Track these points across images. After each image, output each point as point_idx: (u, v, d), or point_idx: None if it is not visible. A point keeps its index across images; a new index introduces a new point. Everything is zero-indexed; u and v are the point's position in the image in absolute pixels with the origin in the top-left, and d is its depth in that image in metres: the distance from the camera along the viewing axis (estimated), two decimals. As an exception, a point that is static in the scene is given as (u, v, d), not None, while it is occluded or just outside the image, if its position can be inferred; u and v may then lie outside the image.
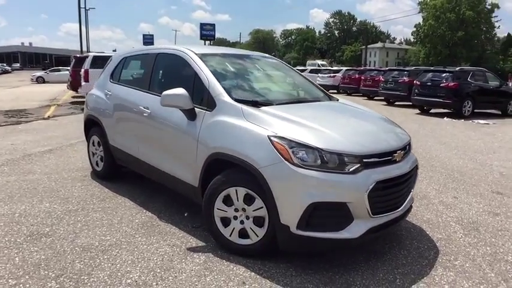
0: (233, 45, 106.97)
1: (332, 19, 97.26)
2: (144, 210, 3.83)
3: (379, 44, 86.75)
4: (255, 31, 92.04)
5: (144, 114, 3.73)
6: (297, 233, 2.62)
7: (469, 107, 11.99)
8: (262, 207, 2.79)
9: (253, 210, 2.84)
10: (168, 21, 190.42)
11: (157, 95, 3.64)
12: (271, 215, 2.74)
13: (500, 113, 12.90)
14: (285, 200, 2.62)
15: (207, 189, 3.01)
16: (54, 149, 6.40)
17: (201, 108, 3.19)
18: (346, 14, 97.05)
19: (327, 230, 2.65)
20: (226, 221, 2.98)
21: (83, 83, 11.35)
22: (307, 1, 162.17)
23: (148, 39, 52.92)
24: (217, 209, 2.98)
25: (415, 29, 57.49)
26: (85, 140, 5.08)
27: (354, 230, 2.66)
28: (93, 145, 4.80)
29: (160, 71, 3.95)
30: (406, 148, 3.13)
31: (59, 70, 30.85)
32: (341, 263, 2.92)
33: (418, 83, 12.92)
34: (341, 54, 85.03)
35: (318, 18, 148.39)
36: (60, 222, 3.50)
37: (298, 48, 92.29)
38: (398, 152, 2.95)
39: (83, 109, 11.87)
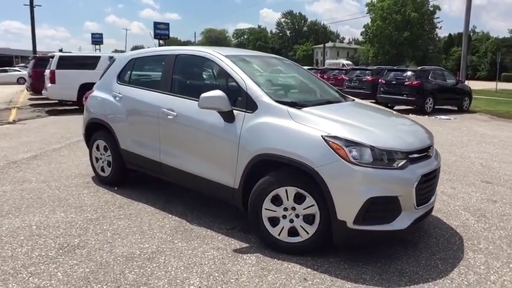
0: (185, 44, 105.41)
1: (284, 19, 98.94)
2: (170, 215, 3.73)
3: (330, 44, 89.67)
4: (207, 30, 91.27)
5: (169, 116, 3.63)
6: (353, 228, 2.73)
7: (431, 104, 12.83)
8: (313, 205, 2.86)
9: (304, 209, 2.90)
10: (115, 19, 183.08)
11: (185, 98, 3.60)
12: (323, 212, 2.82)
13: (456, 108, 13.93)
14: (342, 196, 2.71)
15: (254, 190, 3.02)
16: (39, 155, 5.99)
17: (240, 110, 3.18)
18: (298, 14, 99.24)
19: (379, 223, 2.78)
20: (274, 221, 3.01)
21: (48, 85, 10.64)
22: (257, 1, 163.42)
23: (97, 38, 50.67)
24: (266, 209, 3.00)
25: (364, 30, 60.26)
26: (68, 144, 4.82)
27: (403, 222, 2.82)
28: (98, 150, 4.57)
29: (183, 73, 3.86)
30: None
31: (5, 71, 28.54)
32: (383, 254, 3.07)
33: (383, 81, 13.60)
34: (293, 53, 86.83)
35: (268, 18, 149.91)
36: (87, 232, 3.32)
37: (251, 47, 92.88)
38: (431, 147, 3.16)
39: (48, 111, 11.42)
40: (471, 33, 54.93)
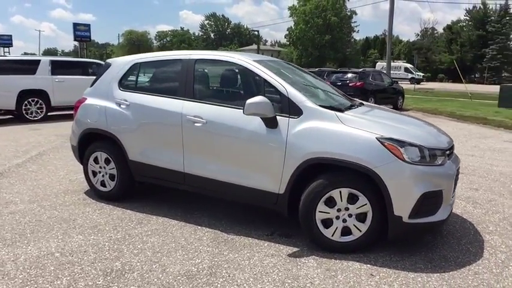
0: (104, 46, 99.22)
1: (207, 21, 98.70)
2: (199, 227, 3.58)
3: (254, 46, 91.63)
4: (128, 32, 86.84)
5: (196, 124, 3.48)
6: (407, 222, 2.92)
7: (372, 103, 13.88)
8: (365, 204, 2.99)
9: (357, 208, 3.01)
10: (23, 20, 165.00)
11: (216, 104, 3.48)
12: (375, 210, 2.97)
13: (392, 107, 15.24)
14: (399, 193, 2.88)
15: (307, 194, 3.05)
16: (3, 172, 5.25)
17: (283, 116, 3.19)
18: (221, 16, 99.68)
19: (426, 215, 3.01)
20: (327, 223, 3.08)
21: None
22: (176, 2, 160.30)
23: (5, 40, 45.46)
24: (320, 211, 3.05)
25: (287, 32, 62.65)
26: (30, 158, 4.35)
27: (444, 213, 3.09)
28: (96, 163, 4.18)
29: (208, 79, 3.72)
30: None
31: None
32: (421, 245, 3.31)
33: (328, 83, 14.32)
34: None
35: (188, 20, 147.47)
36: (123, 254, 3.04)
37: (175, 50, 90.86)
38: (453, 145, 3.50)
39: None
40: (384, 37, 60.55)
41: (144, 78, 4.09)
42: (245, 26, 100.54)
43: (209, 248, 3.17)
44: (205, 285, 2.63)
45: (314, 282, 2.68)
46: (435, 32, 63.38)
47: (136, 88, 4.01)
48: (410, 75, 36.26)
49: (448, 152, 3.21)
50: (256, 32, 73.71)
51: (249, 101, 3.09)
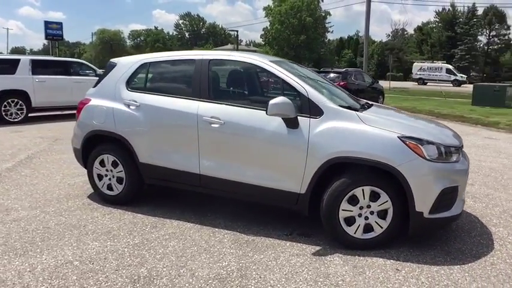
0: (76, 45, 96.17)
1: (182, 21, 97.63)
2: (217, 229, 3.53)
3: (230, 46, 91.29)
4: (100, 31, 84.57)
5: (213, 125, 3.44)
6: (428, 217, 3.01)
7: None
8: (386, 201, 3.06)
9: (379, 205, 3.08)
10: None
11: (234, 105, 3.46)
12: (395, 206, 3.04)
13: (373, 105, 15.61)
14: (421, 190, 2.96)
15: (331, 193, 3.08)
16: (-5, 179, 5.01)
17: (304, 116, 3.20)
18: (196, 16, 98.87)
19: (444, 210, 3.11)
20: (349, 220, 3.12)
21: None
22: (149, 2, 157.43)
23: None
24: (343, 210, 3.09)
25: (263, 33, 62.85)
26: (20, 162, 4.22)
27: (458, 207, 3.21)
28: (102, 166, 4.05)
29: (223, 80, 3.67)
30: None
31: None
32: (435, 239, 3.41)
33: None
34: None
35: (162, 19, 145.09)
36: (146, 260, 2.97)
37: (150, 49, 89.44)
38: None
39: None
40: (358, 37, 61.98)
41: (154, 79, 4.00)
42: (220, 26, 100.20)
43: (232, 250, 3.14)
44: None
45: (345, 280, 2.72)
46: (405, 33, 65.41)
47: (146, 88, 3.91)
48: (453, 77, 33.77)
49: (459, 150, 3.32)
50: (231, 32, 73.35)
51: (272, 101, 3.09)
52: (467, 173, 3.28)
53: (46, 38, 33.99)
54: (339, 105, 3.26)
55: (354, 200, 3.09)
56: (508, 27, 50.80)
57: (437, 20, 54.40)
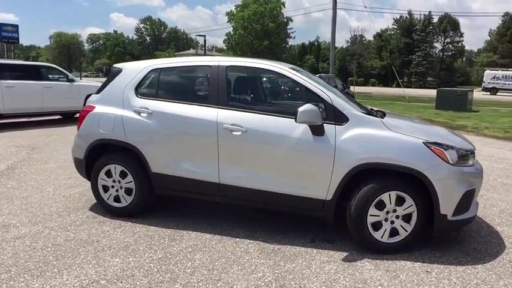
0: (30, 49, 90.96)
1: (142, 25, 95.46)
2: (238, 239, 3.46)
3: (192, 51, 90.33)
4: (57, 34, 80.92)
5: (234, 133, 3.38)
6: (451, 219, 3.13)
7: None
8: (411, 205, 3.14)
9: (404, 209, 3.16)
10: None
11: (255, 112, 3.42)
12: (419, 210, 3.14)
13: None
14: (445, 193, 3.07)
15: (359, 199, 3.12)
16: (-22, 193, 4.60)
17: (329, 123, 3.22)
18: (157, 20, 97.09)
19: (463, 212, 3.24)
20: (376, 225, 3.17)
21: None
22: (107, 5, 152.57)
23: None
24: (371, 215, 3.14)
25: (226, 38, 62.94)
26: (1, 173, 3.91)
27: (474, 209, 3.36)
28: (109, 177, 3.85)
29: (243, 87, 3.61)
30: None
31: None
32: (450, 240, 3.55)
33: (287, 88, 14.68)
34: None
35: (120, 23, 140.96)
36: (177, 275, 2.84)
37: (110, 53, 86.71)
38: None
39: None
40: (319, 43, 63.71)
41: (166, 85, 3.85)
42: (182, 30, 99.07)
43: (262, 260, 3.09)
44: (283, 299, 2.57)
45: (383, 284, 2.75)
46: (364, 39, 68.04)
47: (158, 95, 3.77)
48: None
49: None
50: (197, 37, 72.77)
51: (300, 109, 3.09)
52: (482, 176, 3.44)
53: (1, 41, 32.08)
54: (363, 112, 3.32)
55: (381, 205, 3.15)
56: (461, 35, 54.30)
57: (396, 27, 57.19)
